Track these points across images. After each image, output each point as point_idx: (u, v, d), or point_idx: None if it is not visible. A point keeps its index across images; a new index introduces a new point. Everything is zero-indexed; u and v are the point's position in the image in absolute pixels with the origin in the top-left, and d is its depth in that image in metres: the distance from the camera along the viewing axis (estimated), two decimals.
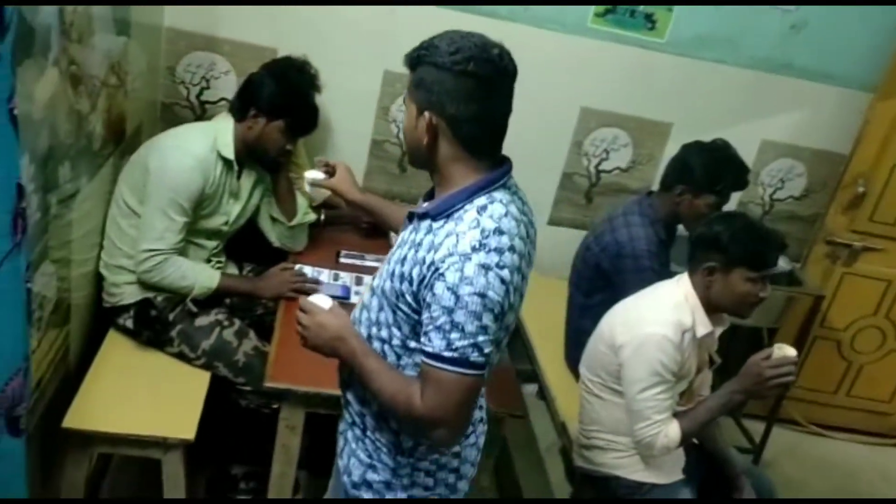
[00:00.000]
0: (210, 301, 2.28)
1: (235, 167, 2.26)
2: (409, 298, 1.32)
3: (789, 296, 3.10)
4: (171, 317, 2.23)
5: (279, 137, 2.24)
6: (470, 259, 1.24)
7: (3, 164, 1.18)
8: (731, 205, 3.10)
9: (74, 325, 2.11)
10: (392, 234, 2.66)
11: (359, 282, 2.43)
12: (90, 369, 2.11)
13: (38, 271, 1.75)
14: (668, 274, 2.18)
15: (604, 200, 3.18)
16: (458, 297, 1.23)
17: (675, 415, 1.96)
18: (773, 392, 1.91)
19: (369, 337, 1.43)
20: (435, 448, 1.45)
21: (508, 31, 2.83)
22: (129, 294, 2.23)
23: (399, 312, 1.35)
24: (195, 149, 2.15)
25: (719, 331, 2.04)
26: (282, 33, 2.75)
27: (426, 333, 1.29)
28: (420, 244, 1.31)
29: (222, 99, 2.82)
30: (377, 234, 2.73)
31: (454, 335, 1.25)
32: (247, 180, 2.37)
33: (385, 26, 2.78)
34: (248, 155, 2.29)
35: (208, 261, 2.36)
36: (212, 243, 2.35)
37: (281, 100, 2.22)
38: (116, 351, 2.21)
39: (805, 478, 3.29)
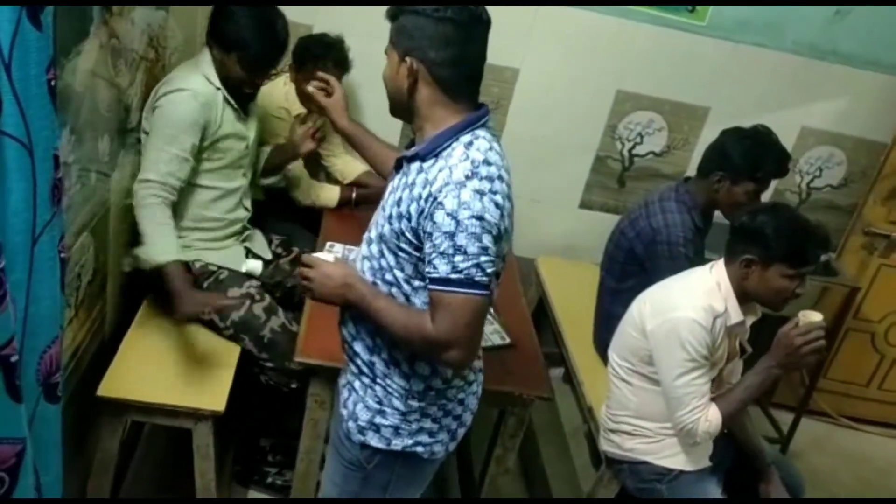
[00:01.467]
0: (246, 274, 2.30)
1: (226, 94, 2.21)
2: (409, 235, 1.39)
3: (824, 286, 3.05)
4: (204, 285, 2.25)
5: (237, 70, 2.17)
6: (465, 186, 1.32)
7: (42, 135, 1.19)
8: (767, 192, 3.06)
9: (110, 294, 2.15)
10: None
11: None
12: (125, 338, 2.14)
13: (77, 242, 1.79)
14: (702, 261, 2.15)
15: (637, 185, 3.14)
16: (458, 222, 1.31)
17: (712, 398, 1.95)
18: (809, 360, 1.88)
19: (374, 284, 1.49)
20: (450, 380, 1.53)
21: (545, 10, 2.82)
22: None
23: (401, 253, 1.42)
24: (193, 85, 2.12)
25: (751, 320, 2.01)
26: (317, 10, 2.74)
27: (430, 262, 1.35)
28: (413, 184, 1.39)
29: None
30: None
31: (458, 258, 1.32)
32: (253, 107, 2.37)
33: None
34: (224, 83, 2.22)
35: (241, 204, 2.37)
36: (240, 181, 2.35)
37: (231, 29, 2.14)
38: (150, 319, 2.24)
39: (834, 470, 3.25)
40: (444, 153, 1.39)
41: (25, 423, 1.21)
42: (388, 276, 1.46)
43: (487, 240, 1.33)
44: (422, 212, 1.35)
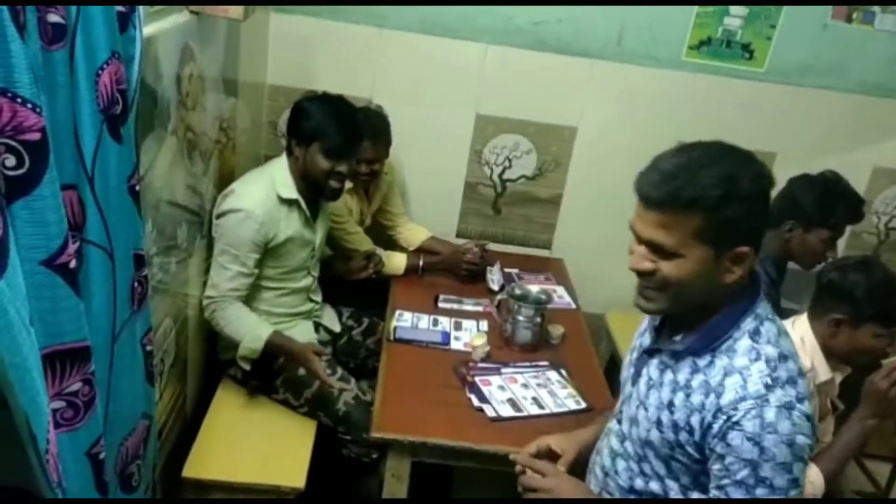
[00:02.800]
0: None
1: (302, 203, 2.26)
2: (689, 449, 1.21)
3: None
4: (276, 365, 2.29)
5: (320, 160, 2.20)
6: (767, 401, 1.12)
7: (122, 238, 1.26)
8: (843, 235, 2.97)
9: (191, 376, 2.21)
10: (491, 279, 2.69)
11: (458, 327, 2.43)
12: (205, 419, 2.19)
13: (161, 328, 1.85)
14: (778, 312, 2.08)
15: None
16: (762, 449, 1.11)
17: (811, 459, 1.87)
18: None
19: (631, 489, 1.33)
20: None
21: (600, 68, 2.84)
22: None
23: (675, 463, 1.25)
24: (248, 203, 2.15)
25: (839, 377, 1.93)
26: (375, 82, 2.83)
27: (721, 487, 1.16)
28: (689, 386, 1.21)
29: None
30: (475, 280, 2.74)
31: (760, 491, 1.12)
32: (323, 207, 2.40)
33: (475, 71, 2.83)
34: (308, 187, 2.27)
35: (309, 300, 2.42)
36: (306, 280, 2.40)
37: (311, 123, 2.20)
38: (228, 400, 2.29)
39: None
40: (723, 346, 1.19)
41: None
42: (654, 486, 1.29)
43: (798, 469, 1.12)
44: (708, 427, 1.16)
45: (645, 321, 1.46)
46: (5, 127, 0.85)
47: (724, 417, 1.14)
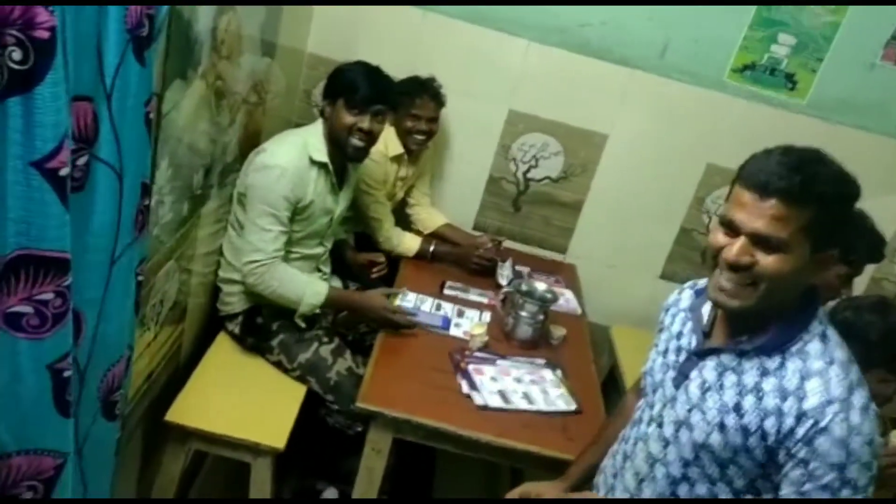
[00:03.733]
0: (315, 315, 2.34)
1: (331, 167, 2.28)
2: (757, 453, 1.20)
3: None
4: (274, 326, 2.30)
5: (344, 114, 2.21)
6: (852, 405, 1.13)
7: (134, 163, 1.26)
8: (864, 279, 2.91)
9: (189, 325, 2.22)
10: (501, 274, 2.67)
11: (460, 314, 2.42)
12: (196, 368, 2.20)
13: (164, 269, 1.86)
14: None
15: None
16: (849, 452, 1.12)
17: None
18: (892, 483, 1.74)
19: (673, 495, 1.31)
20: None
21: (639, 77, 2.82)
22: (239, 303, 2.32)
23: (733, 467, 1.24)
24: (282, 160, 2.17)
25: None
26: (414, 65, 2.83)
27: (802, 493, 1.15)
28: (759, 389, 1.19)
29: None
30: (484, 274, 2.73)
31: (845, 492, 1.13)
32: (349, 176, 2.41)
33: (515, 66, 2.82)
34: (337, 151, 2.28)
35: (318, 269, 2.42)
36: (319, 249, 2.41)
37: (341, 79, 2.23)
38: (222, 355, 2.30)
39: None
40: (794, 348, 1.19)
41: (72, 440, 1.23)
42: (701, 489, 1.27)
43: (874, 465, 1.14)
44: (790, 432, 1.15)
45: (675, 324, 1.42)
46: (17, 19, 0.86)
47: (812, 422, 1.13)
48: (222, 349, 2.32)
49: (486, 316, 2.44)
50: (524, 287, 2.39)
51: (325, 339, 2.30)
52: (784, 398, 1.16)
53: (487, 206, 3.06)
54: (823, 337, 1.20)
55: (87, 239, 1.23)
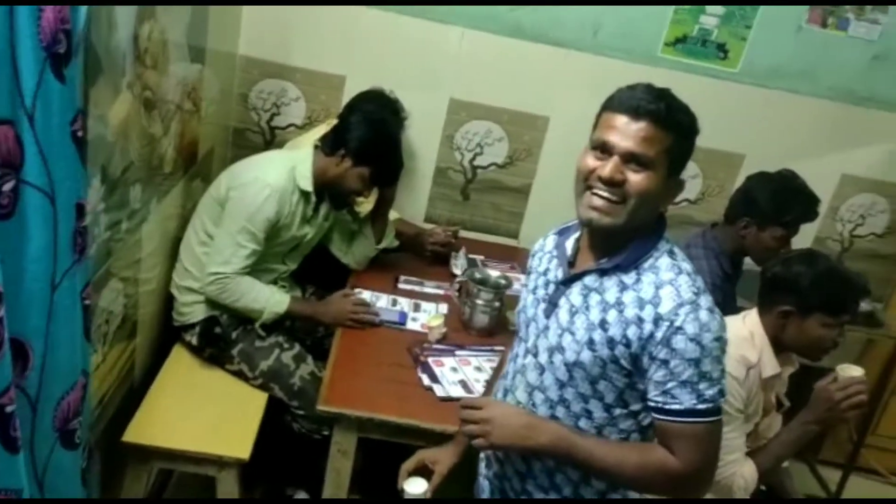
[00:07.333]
0: (273, 322, 2.31)
1: (313, 199, 2.30)
2: (623, 362, 1.28)
3: (869, 338, 2.94)
4: (233, 335, 2.27)
5: (359, 183, 2.27)
6: (700, 306, 1.24)
7: (65, 184, 1.22)
8: (807, 240, 2.98)
9: (141, 341, 2.17)
10: (454, 264, 2.67)
11: (417, 307, 2.42)
12: (153, 385, 2.16)
13: (106, 287, 1.81)
14: (733, 309, 2.10)
15: (671, 233, 3.09)
16: (702, 347, 1.23)
17: (748, 453, 1.87)
18: (848, 416, 1.80)
19: (552, 417, 1.37)
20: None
21: (574, 58, 2.83)
22: (197, 312, 2.28)
23: (602, 381, 1.32)
24: (273, 180, 2.18)
25: (788, 372, 1.94)
26: (351, 61, 2.80)
27: (666, 392, 1.25)
28: (620, 303, 1.28)
29: (291, 125, 2.90)
30: (438, 262, 2.73)
31: (702, 385, 1.24)
32: (323, 208, 2.40)
33: (451, 54, 2.81)
34: (323, 187, 2.31)
35: (275, 282, 2.40)
36: (283, 267, 2.40)
37: (372, 148, 2.25)
38: (180, 367, 2.26)
39: None
40: (646, 264, 1.30)
41: (24, 475, 1.18)
42: (575, 408, 1.35)
43: (723, 359, 1.26)
44: (650, 336, 1.24)
45: (542, 264, 1.50)
46: None
47: (668, 324, 1.23)
48: (179, 361, 2.28)
49: (444, 307, 2.44)
50: (478, 275, 2.39)
51: (286, 346, 2.28)
52: (642, 307, 1.26)
53: (437, 198, 3.05)
54: (671, 253, 1.32)
55: (24, 266, 1.19)
